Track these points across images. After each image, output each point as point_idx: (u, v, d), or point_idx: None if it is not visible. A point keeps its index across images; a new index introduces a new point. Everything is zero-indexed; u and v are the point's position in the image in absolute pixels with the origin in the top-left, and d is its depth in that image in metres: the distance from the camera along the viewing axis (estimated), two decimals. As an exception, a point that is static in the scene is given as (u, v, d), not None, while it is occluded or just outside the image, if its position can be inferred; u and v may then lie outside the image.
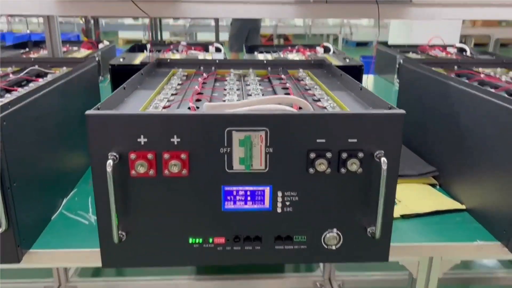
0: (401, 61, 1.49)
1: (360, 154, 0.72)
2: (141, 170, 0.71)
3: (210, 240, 0.77)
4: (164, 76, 1.18)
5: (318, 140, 0.72)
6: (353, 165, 0.72)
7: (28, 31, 6.02)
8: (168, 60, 1.33)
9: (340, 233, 0.78)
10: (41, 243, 0.85)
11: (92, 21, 4.97)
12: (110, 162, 0.69)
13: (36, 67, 1.21)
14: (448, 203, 1.01)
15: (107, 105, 0.78)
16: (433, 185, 1.11)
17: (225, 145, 0.72)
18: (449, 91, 1.04)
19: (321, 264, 1.99)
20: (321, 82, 1.13)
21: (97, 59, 1.91)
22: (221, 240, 0.77)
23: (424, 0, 1.38)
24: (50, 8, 1.37)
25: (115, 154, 0.70)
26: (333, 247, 0.78)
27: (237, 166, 0.73)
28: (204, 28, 6.18)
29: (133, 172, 0.71)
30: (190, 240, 0.77)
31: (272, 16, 1.39)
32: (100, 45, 2.45)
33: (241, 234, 0.77)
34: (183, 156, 0.71)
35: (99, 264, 0.78)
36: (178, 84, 1.10)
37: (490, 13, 1.43)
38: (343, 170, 0.73)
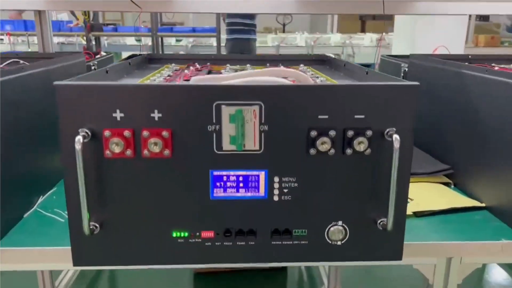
0: (406, 69, 1.40)
1: (368, 132, 0.63)
2: (117, 149, 0.62)
3: (197, 234, 0.67)
4: (155, 69, 1.10)
5: (320, 117, 0.63)
6: (361, 145, 0.63)
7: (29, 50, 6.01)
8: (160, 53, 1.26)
9: (346, 226, 0.68)
10: (8, 242, 0.75)
11: (94, 42, 4.96)
12: (79, 139, 0.60)
13: (21, 62, 1.13)
14: (465, 201, 0.91)
15: (82, 80, 0.69)
16: (446, 184, 1.01)
17: (214, 121, 0.63)
18: (464, 80, 0.96)
19: (325, 281, 1.87)
20: (324, 74, 1.04)
21: (93, 67, 1.84)
22: (210, 234, 0.67)
23: (431, -7, 1.31)
24: (41, 2, 1.31)
25: (86, 130, 0.61)
26: (338, 243, 0.68)
27: (227, 146, 0.63)
28: (206, 49, 6.17)
29: (107, 152, 0.62)
30: (174, 234, 0.67)
31: (271, 11, 1.31)
32: (97, 56, 2.39)
33: (232, 227, 0.67)
34: (165, 133, 0.62)
35: (70, 264, 0.68)
36: (169, 75, 1.01)
37: (496, 8, 1.35)
38: (348, 151, 0.64)
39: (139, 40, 5.37)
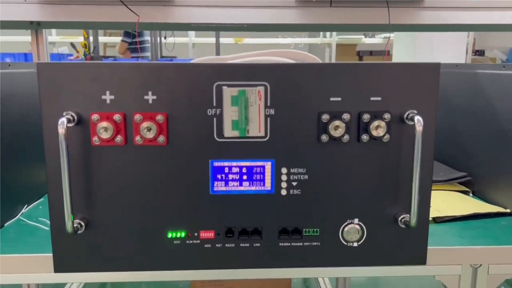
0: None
1: (386, 116, 0.57)
2: (105, 135, 0.55)
3: (195, 234, 0.59)
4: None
5: (332, 99, 0.57)
6: (378, 130, 0.56)
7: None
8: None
9: (362, 225, 0.60)
10: (-16, 249, 0.67)
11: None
12: (63, 121, 0.53)
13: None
14: (488, 207, 0.83)
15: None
16: (465, 193, 0.93)
17: (214, 105, 0.56)
18: (478, 81, 0.90)
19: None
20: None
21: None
22: (210, 234, 0.59)
23: (437, 2, 1.27)
24: (38, 14, 1.27)
25: (72, 113, 0.54)
26: (355, 244, 0.61)
27: (229, 133, 0.57)
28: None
29: (95, 138, 0.55)
30: (169, 234, 0.59)
31: (273, 22, 1.28)
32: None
33: (235, 226, 0.60)
34: (159, 118, 0.55)
35: (50, 270, 0.60)
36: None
37: (508, 17, 1.32)
38: (365, 137, 0.57)
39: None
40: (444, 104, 1.05)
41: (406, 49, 3.41)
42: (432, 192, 0.90)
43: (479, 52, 6.36)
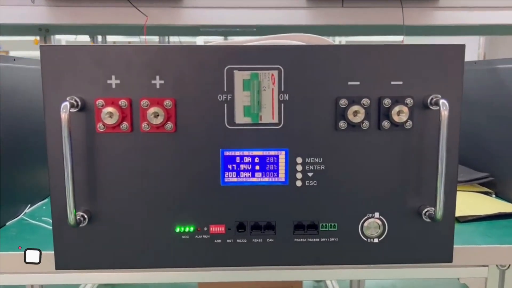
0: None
1: (409, 101, 0.53)
2: (110, 121, 0.52)
3: (205, 228, 0.56)
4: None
5: (350, 83, 0.53)
6: (401, 115, 0.53)
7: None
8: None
9: (384, 219, 0.56)
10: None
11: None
12: (66, 105, 0.50)
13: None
14: (514, 207, 0.79)
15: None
16: (487, 194, 0.89)
17: (225, 90, 0.53)
18: (499, 76, 0.86)
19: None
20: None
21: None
22: (220, 228, 0.56)
23: (452, 2, 1.25)
24: (45, 17, 1.26)
25: (76, 98, 0.52)
26: (375, 240, 0.56)
27: (241, 119, 0.53)
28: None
29: (99, 125, 0.52)
30: (177, 229, 0.55)
31: (283, 23, 1.25)
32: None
33: (247, 220, 0.56)
34: (167, 103, 0.52)
35: (52, 268, 0.57)
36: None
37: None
38: (386, 124, 0.53)
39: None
40: (463, 102, 1.01)
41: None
42: (453, 192, 0.86)
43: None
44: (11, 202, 0.76)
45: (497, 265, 0.68)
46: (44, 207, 0.83)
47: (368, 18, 1.26)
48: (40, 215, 0.78)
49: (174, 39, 1.83)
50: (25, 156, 0.80)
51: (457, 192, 0.86)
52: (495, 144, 0.90)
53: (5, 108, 0.70)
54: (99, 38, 1.71)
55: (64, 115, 0.50)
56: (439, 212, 0.53)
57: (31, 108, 0.79)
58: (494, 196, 0.88)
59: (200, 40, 2.30)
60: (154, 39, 2.19)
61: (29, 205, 0.81)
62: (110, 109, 0.52)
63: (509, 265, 0.66)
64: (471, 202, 0.81)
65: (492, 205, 0.80)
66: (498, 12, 1.29)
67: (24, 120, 0.78)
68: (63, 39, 2.93)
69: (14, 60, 0.76)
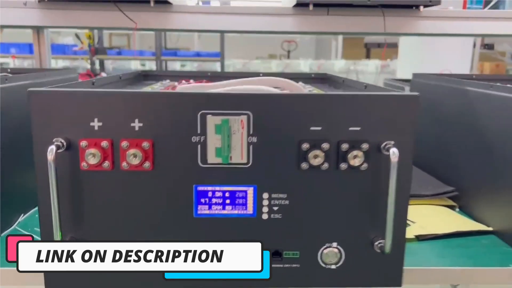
0: (409, 92, 1.36)
1: (364, 146, 0.58)
2: (93, 161, 0.57)
3: (179, 254, 0.62)
4: (148, 85, 1.06)
5: (312, 128, 0.59)
6: (356, 159, 0.58)
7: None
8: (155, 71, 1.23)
9: (341, 248, 0.62)
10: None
11: (98, 65, 4.99)
12: (52, 149, 0.55)
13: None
14: (471, 224, 0.85)
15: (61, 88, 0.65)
16: (451, 207, 0.95)
17: (198, 132, 0.58)
18: (468, 98, 0.91)
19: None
20: (322, 90, 1.00)
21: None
22: (193, 254, 0.62)
23: (435, 11, 1.28)
24: (37, 19, 1.29)
25: (61, 140, 0.57)
26: (333, 267, 0.63)
27: (213, 159, 0.59)
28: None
29: (83, 163, 0.58)
30: (154, 254, 0.62)
31: (270, 29, 1.29)
32: (97, 77, 2.38)
33: (217, 247, 0.62)
34: (145, 144, 0.58)
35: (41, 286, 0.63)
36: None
37: (504, 28, 1.32)
38: (343, 166, 0.59)
39: (143, 65, 5.42)
40: (435, 115, 1.06)
41: (412, 43, 3.40)
42: (419, 206, 0.93)
43: (488, 46, 6.28)
44: (6, 212, 0.82)
45: (450, 284, 0.75)
46: (36, 215, 0.89)
47: (352, 26, 1.29)
48: (33, 225, 0.84)
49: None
50: (18, 163, 0.85)
51: (423, 206, 0.93)
52: (461, 159, 0.96)
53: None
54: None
55: (50, 157, 0.55)
56: (388, 245, 0.59)
57: (23, 118, 0.84)
58: (457, 209, 0.95)
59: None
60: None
61: (22, 214, 0.87)
62: (92, 150, 0.57)
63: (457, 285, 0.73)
64: (433, 218, 0.87)
65: (452, 221, 0.86)
66: (482, 22, 1.33)
67: (16, 128, 0.83)
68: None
69: (6, 80, 0.81)
